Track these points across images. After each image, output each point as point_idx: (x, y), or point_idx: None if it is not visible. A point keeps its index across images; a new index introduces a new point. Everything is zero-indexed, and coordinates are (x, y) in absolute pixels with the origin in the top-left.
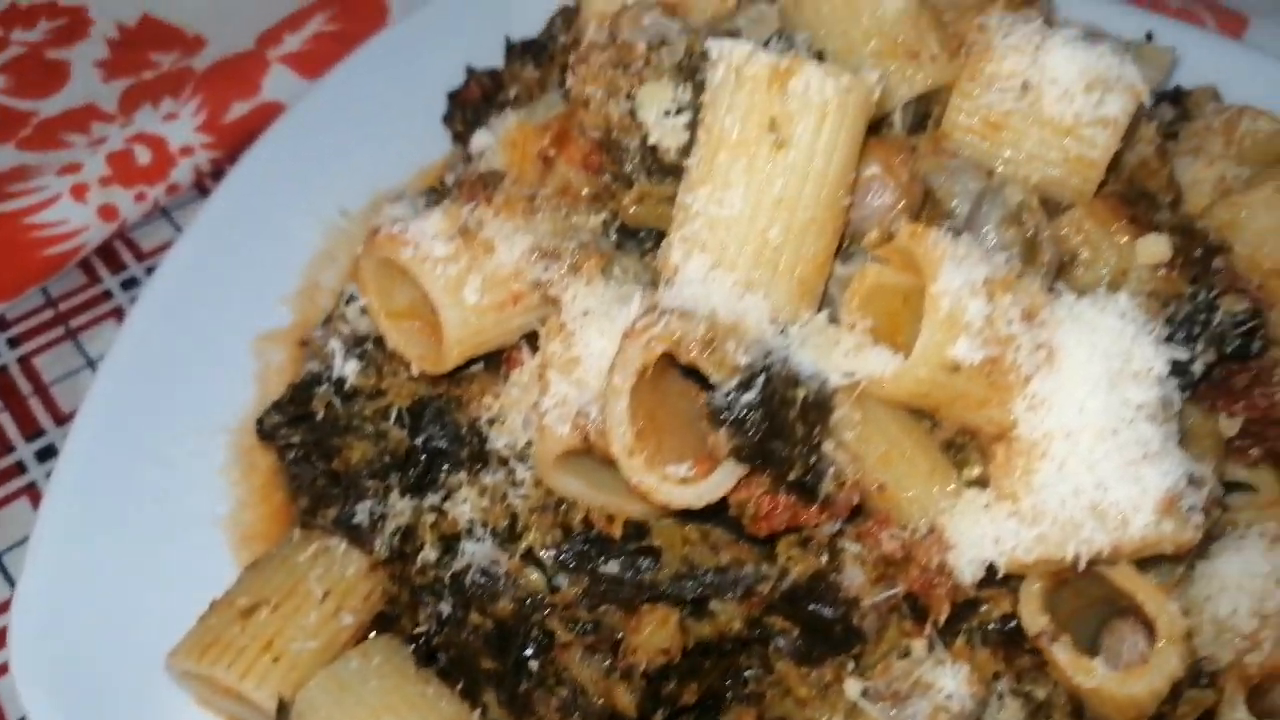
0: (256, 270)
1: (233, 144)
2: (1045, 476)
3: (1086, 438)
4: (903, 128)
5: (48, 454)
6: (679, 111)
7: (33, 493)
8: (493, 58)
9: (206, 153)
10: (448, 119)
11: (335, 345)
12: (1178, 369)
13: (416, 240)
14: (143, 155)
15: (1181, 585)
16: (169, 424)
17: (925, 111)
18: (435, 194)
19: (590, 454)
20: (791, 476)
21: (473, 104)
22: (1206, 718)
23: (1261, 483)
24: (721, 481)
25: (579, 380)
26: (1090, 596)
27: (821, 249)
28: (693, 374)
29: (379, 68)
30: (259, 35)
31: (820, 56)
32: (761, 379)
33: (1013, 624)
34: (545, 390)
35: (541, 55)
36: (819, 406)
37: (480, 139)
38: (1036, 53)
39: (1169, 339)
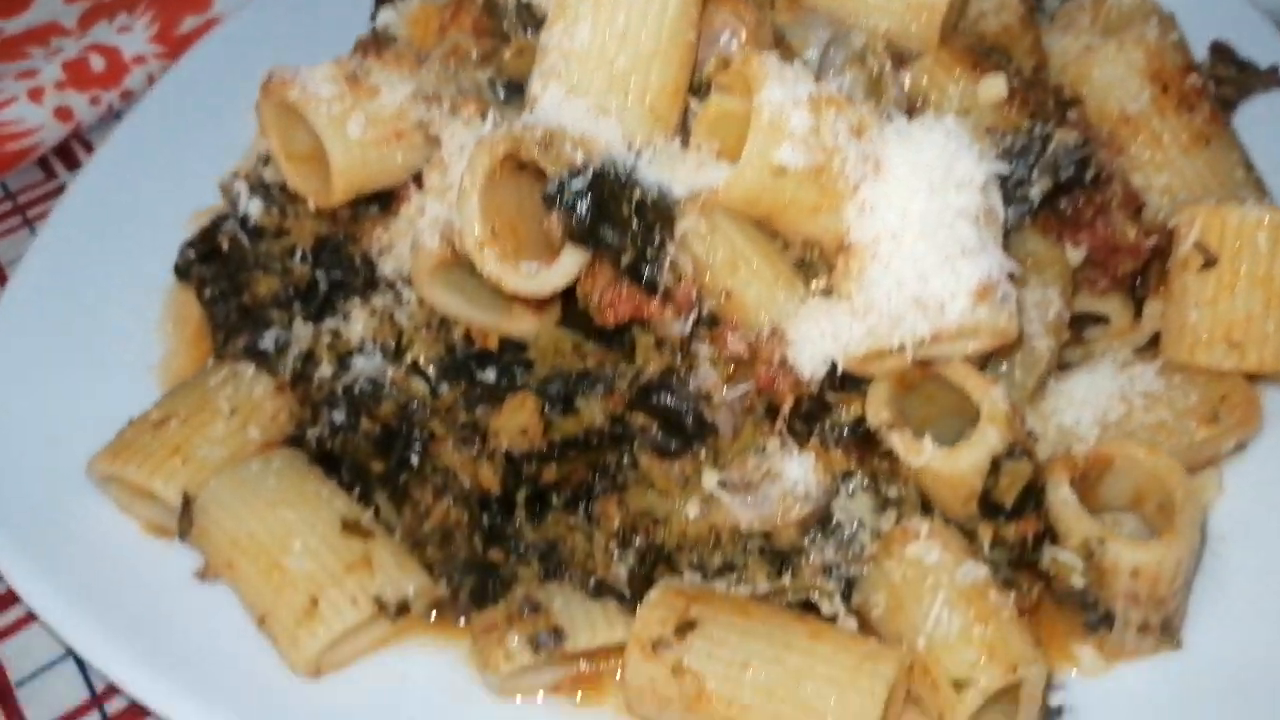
0: (194, 153)
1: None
2: (874, 274)
3: (909, 238)
4: None
5: None
6: None
7: None
8: None
9: (159, 62)
10: None
11: (240, 186)
12: (1017, 195)
13: (304, 83)
14: (97, 63)
15: (1034, 400)
16: (107, 279)
17: None
18: None
19: (461, 266)
20: (625, 261)
21: None
22: (1036, 503)
23: (1112, 311)
24: (564, 268)
25: (450, 202)
26: (937, 403)
27: (670, 79)
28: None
29: None
30: None
31: None
32: (591, 169)
33: (864, 428)
34: (423, 215)
35: None
36: (658, 208)
37: (385, 15)
38: None
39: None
